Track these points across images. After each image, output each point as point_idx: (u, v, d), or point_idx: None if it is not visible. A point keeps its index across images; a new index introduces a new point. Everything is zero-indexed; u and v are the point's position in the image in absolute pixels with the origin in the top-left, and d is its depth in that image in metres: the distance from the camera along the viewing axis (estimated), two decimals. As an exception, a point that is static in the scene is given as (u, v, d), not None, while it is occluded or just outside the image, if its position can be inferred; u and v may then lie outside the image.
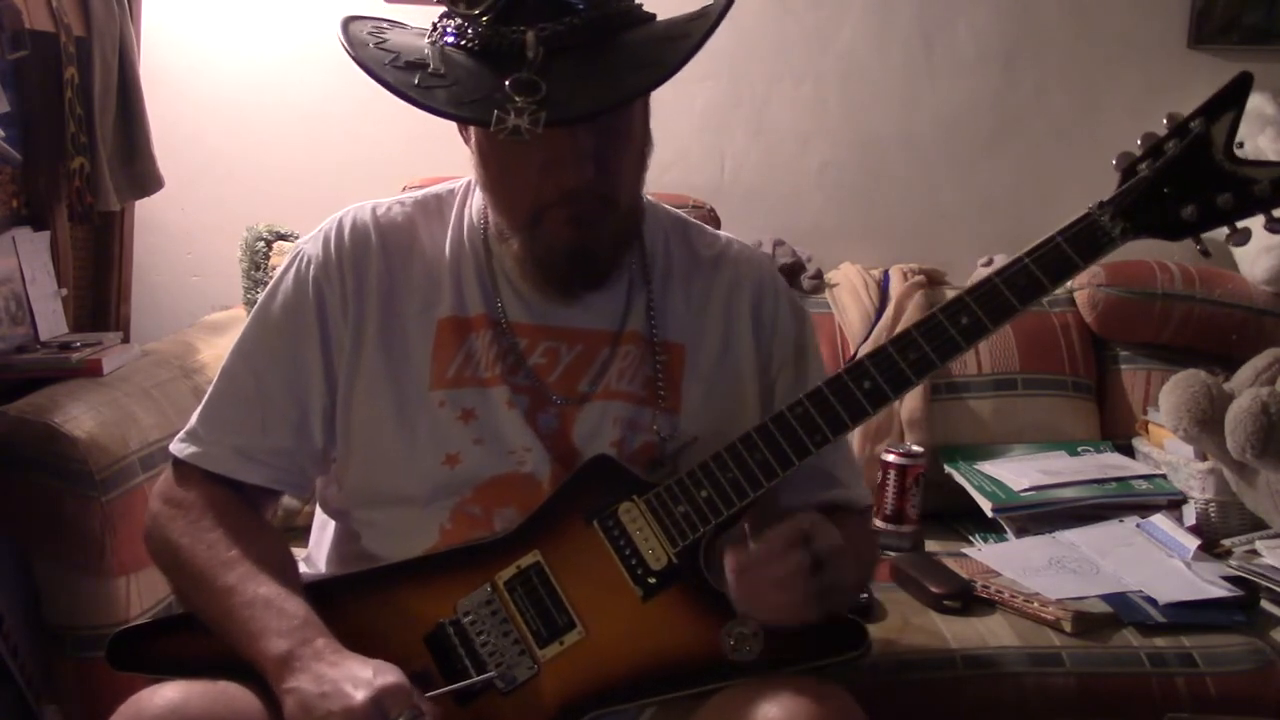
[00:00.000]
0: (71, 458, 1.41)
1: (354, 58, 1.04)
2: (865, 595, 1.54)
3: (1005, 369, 2.06)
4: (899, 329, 1.09)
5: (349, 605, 1.08)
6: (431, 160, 2.18)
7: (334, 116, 2.25)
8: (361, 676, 0.95)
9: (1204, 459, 1.88)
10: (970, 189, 2.41)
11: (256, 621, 1.01)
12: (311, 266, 1.16)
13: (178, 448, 1.14)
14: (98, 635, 1.44)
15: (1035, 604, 1.55)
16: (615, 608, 1.05)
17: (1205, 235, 1.05)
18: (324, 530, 1.23)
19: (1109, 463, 1.98)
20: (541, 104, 0.96)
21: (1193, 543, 1.69)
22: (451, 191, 1.23)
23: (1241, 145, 2.17)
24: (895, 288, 2.13)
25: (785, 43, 2.33)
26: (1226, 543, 1.82)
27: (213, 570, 1.05)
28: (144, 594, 1.50)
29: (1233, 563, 1.70)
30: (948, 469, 1.95)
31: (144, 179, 1.97)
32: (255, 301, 1.92)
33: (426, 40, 1.07)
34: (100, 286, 2.04)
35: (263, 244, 2.00)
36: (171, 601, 1.57)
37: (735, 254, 1.24)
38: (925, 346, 1.03)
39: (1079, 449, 2.02)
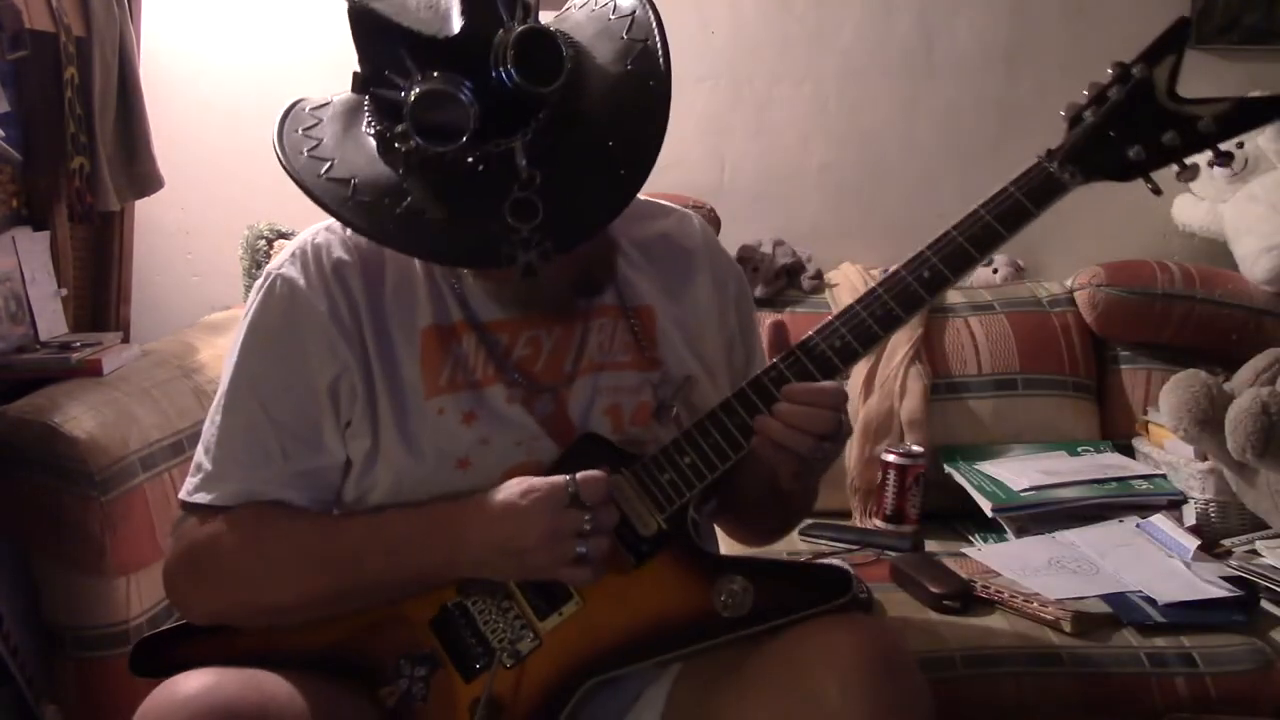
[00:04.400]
0: (71, 458, 1.41)
1: (309, 192, 1.02)
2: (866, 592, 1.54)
3: (1005, 369, 2.06)
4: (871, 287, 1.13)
5: None
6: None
7: (334, 116, 2.25)
8: (518, 489, 1.03)
9: (1204, 459, 1.88)
10: (970, 189, 2.37)
11: (386, 546, 1.06)
12: (294, 288, 1.12)
13: (199, 496, 1.10)
14: (97, 635, 1.45)
15: (1035, 604, 1.55)
16: (609, 576, 1.07)
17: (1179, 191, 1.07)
18: None
19: (1109, 463, 1.97)
20: (544, 229, 0.94)
21: (1193, 543, 1.69)
22: None
23: (1241, 145, 2.18)
24: (895, 288, 2.13)
25: (785, 43, 2.33)
26: (1226, 543, 1.82)
27: (305, 554, 1.08)
28: (144, 594, 1.50)
29: (1233, 563, 1.70)
30: (948, 469, 1.95)
31: (144, 179, 1.97)
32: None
33: (379, 152, 1.02)
34: (100, 286, 2.04)
35: (264, 242, 2.00)
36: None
37: (673, 217, 1.27)
38: (888, 298, 1.09)
39: (1079, 449, 2.02)
